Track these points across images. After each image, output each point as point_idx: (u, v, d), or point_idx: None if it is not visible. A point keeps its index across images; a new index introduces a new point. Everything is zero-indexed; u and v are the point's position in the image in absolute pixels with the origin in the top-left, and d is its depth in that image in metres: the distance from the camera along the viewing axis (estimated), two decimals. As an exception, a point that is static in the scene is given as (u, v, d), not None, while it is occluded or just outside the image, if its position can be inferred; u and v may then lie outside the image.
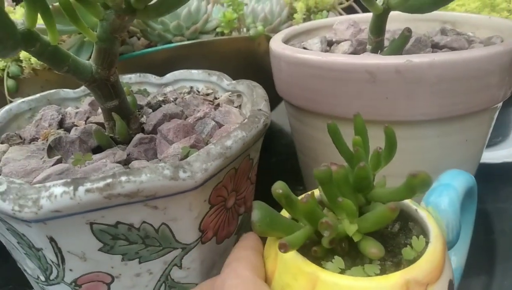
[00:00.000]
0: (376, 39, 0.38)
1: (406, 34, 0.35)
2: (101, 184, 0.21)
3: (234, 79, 0.39)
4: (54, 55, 0.27)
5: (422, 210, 0.23)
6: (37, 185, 0.21)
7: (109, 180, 0.21)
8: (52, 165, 0.27)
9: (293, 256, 0.20)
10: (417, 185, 0.17)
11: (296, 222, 0.21)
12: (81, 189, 0.21)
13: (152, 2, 0.26)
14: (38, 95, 0.38)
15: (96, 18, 0.28)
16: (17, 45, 0.23)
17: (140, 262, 0.26)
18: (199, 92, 0.40)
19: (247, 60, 0.51)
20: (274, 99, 0.44)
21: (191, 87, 0.41)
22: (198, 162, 0.23)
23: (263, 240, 0.24)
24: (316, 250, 0.20)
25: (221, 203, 0.28)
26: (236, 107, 0.36)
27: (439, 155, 0.34)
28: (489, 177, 0.54)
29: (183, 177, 0.23)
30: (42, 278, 0.27)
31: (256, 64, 0.52)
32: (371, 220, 0.18)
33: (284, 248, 0.19)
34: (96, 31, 0.28)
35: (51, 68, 0.28)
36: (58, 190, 0.21)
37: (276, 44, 0.38)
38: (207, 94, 0.39)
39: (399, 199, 0.20)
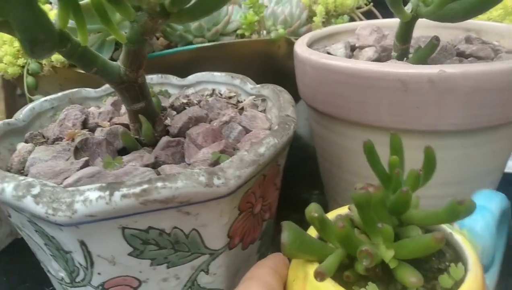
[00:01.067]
0: (402, 46, 0.37)
1: (435, 42, 0.35)
2: (137, 189, 0.21)
3: (254, 81, 0.38)
4: (83, 56, 0.27)
5: (457, 234, 0.22)
6: (70, 189, 0.21)
7: (145, 186, 0.21)
8: (81, 167, 0.27)
9: (325, 281, 0.19)
10: (462, 212, 0.17)
11: (326, 243, 0.21)
12: (117, 194, 0.21)
13: (186, 6, 0.25)
14: (60, 94, 0.38)
15: (127, 19, 0.28)
16: (54, 46, 0.23)
17: (168, 267, 0.25)
18: (221, 94, 0.40)
19: (267, 63, 0.50)
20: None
21: (213, 90, 0.41)
22: (231, 169, 0.23)
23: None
24: (349, 276, 0.19)
25: (248, 209, 0.27)
26: (260, 111, 0.35)
27: (464, 166, 0.33)
28: (510, 187, 0.53)
29: (217, 184, 0.22)
30: (67, 280, 0.27)
31: (276, 67, 0.51)
32: (410, 248, 0.18)
33: (320, 277, 0.18)
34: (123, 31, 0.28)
35: (80, 68, 0.28)
36: (93, 194, 0.21)
37: (301, 49, 0.38)
38: (230, 97, 0.39)
39: (437, 223, 0.20)
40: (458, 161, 0.33)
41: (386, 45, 0.40)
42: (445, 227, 0.22)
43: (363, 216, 0.19)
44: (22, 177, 0.23)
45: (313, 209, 0.19)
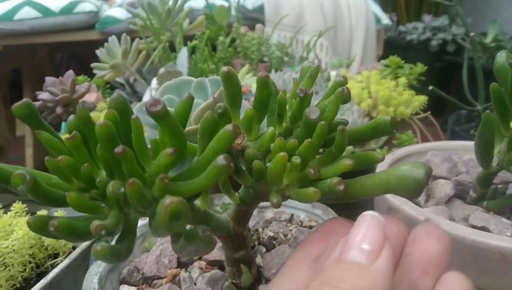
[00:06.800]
0: (482, 190, 0.39)
1: (520, 196, 0.36)
2: None
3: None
4: (204, 218, 0.29)
5: None
6: None
7: None
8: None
9: None
10: None
11: None
12: None
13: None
14: (145, 221, 0.39)
15: (244, 184, 0.29)
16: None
17: None
18: (301, 222, 0.41)
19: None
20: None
21: (292, 215, 0.42)
22: None
23: None
24: None
25: None
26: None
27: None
28: None
29: None
30: None
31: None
32: None
33: None
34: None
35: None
36: None
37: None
38: (311, 227, 0.40)
39: None
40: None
41: (461, 180, 0.42)
42: None
43: None
44: None
45: None
